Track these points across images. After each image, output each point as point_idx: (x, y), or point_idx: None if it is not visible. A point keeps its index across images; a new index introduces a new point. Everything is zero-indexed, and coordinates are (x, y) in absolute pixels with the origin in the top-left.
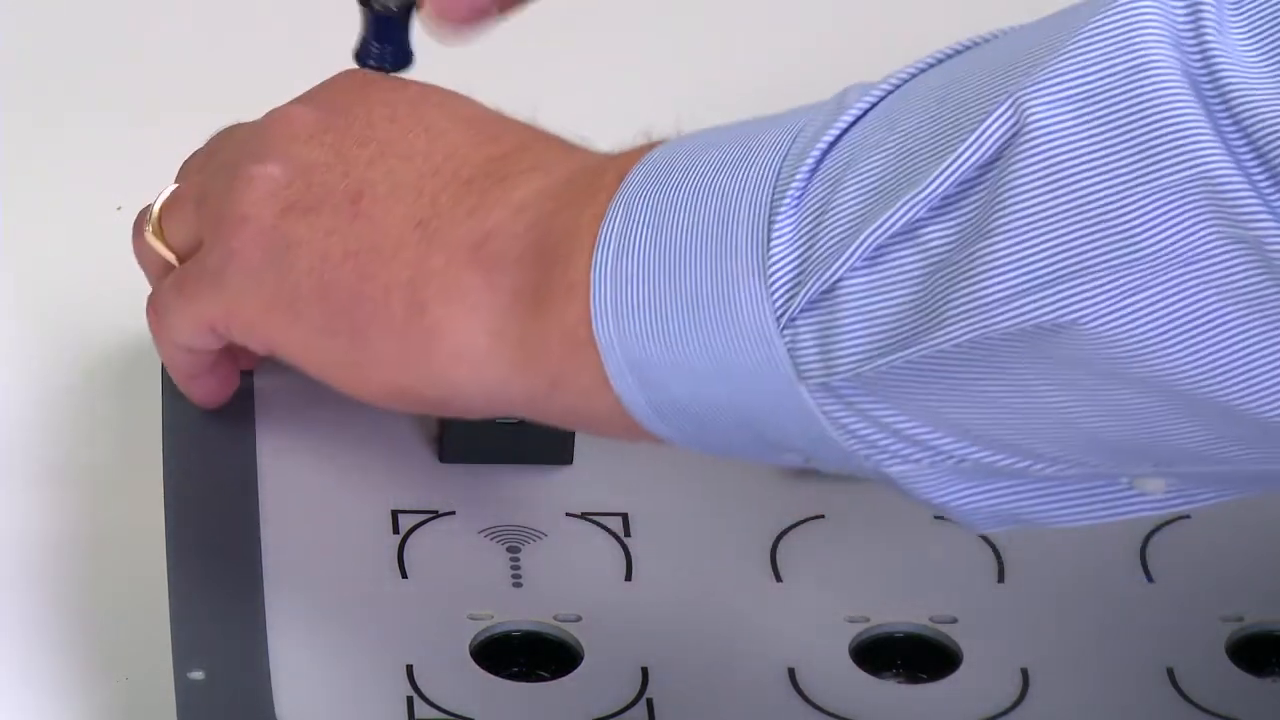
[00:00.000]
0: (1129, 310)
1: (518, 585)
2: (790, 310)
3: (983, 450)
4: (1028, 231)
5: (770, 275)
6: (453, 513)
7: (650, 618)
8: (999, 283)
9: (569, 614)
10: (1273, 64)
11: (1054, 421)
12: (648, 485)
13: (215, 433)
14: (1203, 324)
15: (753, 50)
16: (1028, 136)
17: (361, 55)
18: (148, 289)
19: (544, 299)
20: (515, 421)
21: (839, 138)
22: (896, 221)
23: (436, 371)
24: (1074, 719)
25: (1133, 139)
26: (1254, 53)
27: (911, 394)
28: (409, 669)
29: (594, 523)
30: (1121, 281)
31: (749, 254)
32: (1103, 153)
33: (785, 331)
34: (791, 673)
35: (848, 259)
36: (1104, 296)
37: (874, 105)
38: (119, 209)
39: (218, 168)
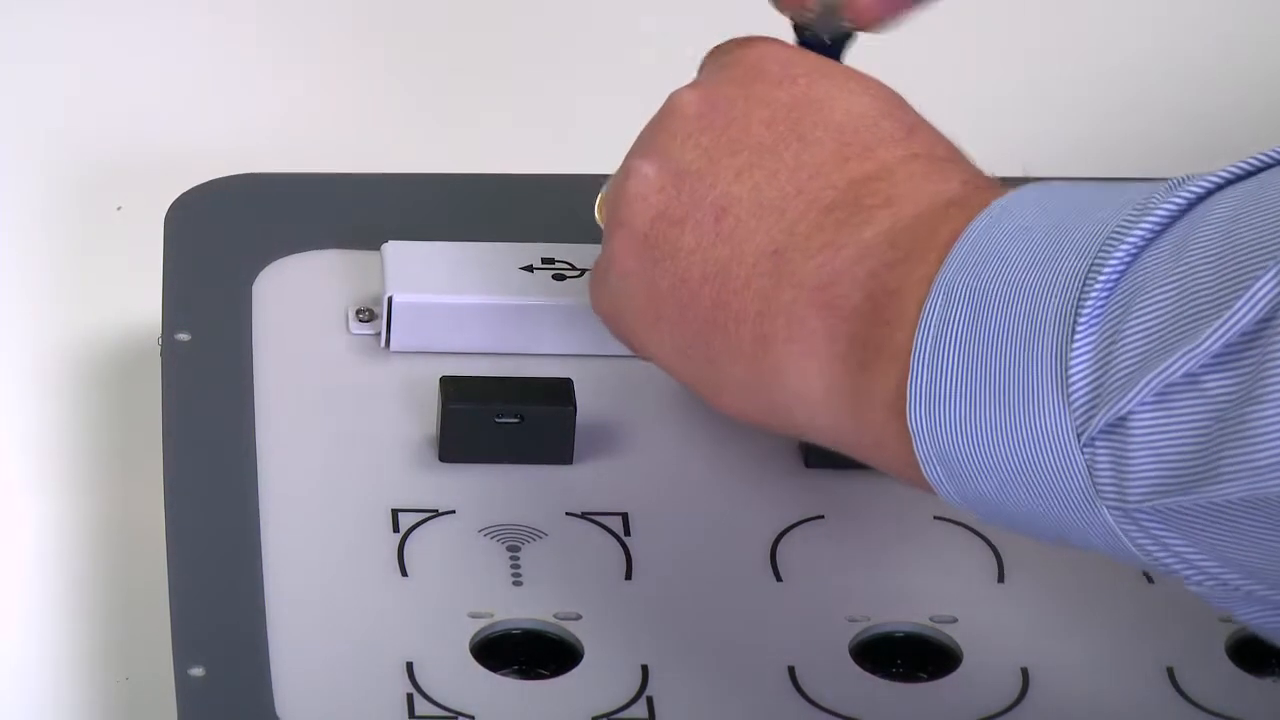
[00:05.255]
0: None
1: (518, 584)
2: (1089, 430)
3: (1269, 590)
4: None
5: (1070, 392)
6: (453, 512)
7: (650, 617)
8: (1270, 449)
9: (569, 612)
10: None
11: None
12: (648, 485)
13: (215, 433)
14: None
15: None
16: None
17: None
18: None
19: (871, 360)
20: (515, 421)
21: (1137, 255)
22: (1176, 370)
23: (780, 407)
24: (1074, 719)
25: None
26: None
27: (1198, 531)
28: (409, 667)
29: (594, 522)
30: None
31: (1052, 366)
32: None
33: (1085, 450)
34: (791, 672)
35: (1135, 395)
36: None
37: (1171, 221)
38: (119, 209)
39: (630, 153)
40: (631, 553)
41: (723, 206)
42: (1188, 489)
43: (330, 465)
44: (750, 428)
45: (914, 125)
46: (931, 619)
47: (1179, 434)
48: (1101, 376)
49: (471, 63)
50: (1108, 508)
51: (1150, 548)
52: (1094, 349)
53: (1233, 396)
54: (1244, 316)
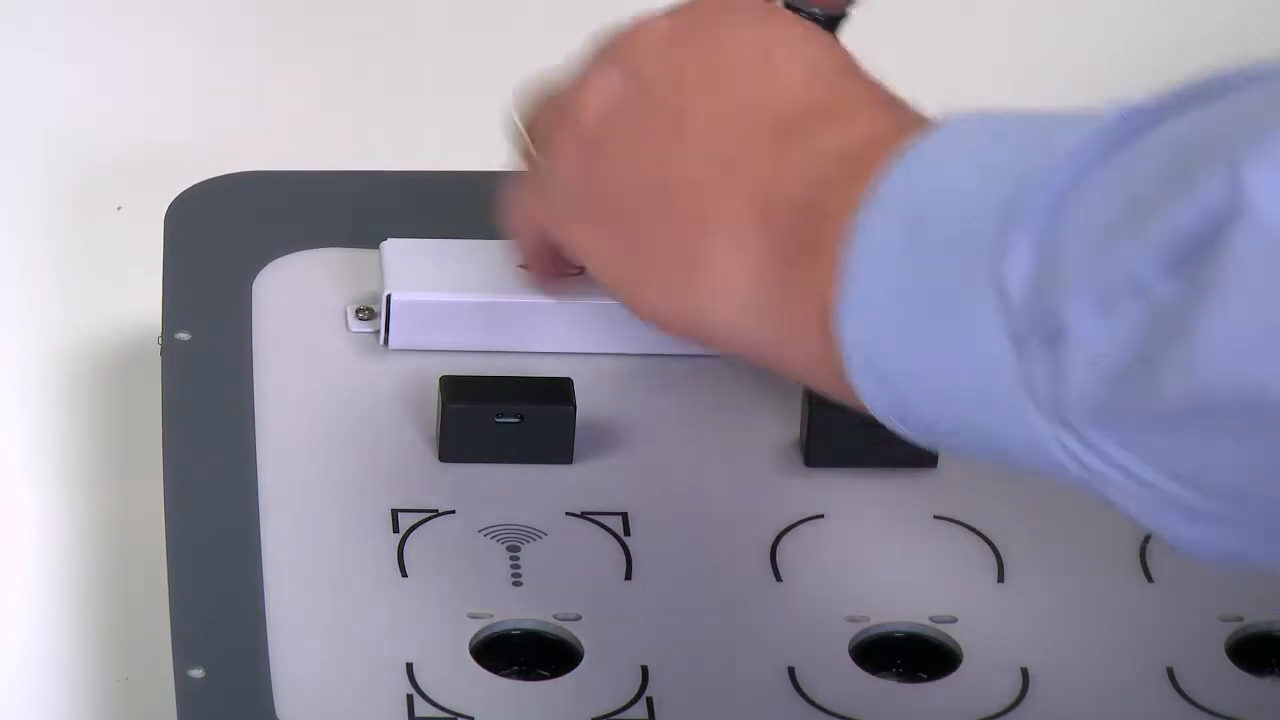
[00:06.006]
0: None
1: (517, 584)
2: (1026, 342)
3: (1208, 499)
4: (1244, 305)
5: (1006, 299)
6: (453, 512)
7: (650, 617)
8: (1213, 355)
9: (569, 613)
10: None
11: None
12: (648, 485)
13: (215, 433)
14: None
15: None
16: (1247, 212)
17: None
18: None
19: (802, 257)
20: (515, 420)
21: (1075, 159)
22: (1117, 275)
23: (704, 311)
24: (1074, 719)
25: None
26: None
27: (1136, 436)
28: (409, 667)
29: (594, 522)
30: None
31: (987, 273)
32: None
33: (1022, 359)
34: (791, 672)
35: (1073, 301)
36: None
37: (1114, 127)
38: (119, 209)
39: (582, 65)
40: (631, 553)
41: (679, 113)
42: (1128, 397)
43: (330, 465)
44: (672, 337)
45: (875, 86)
46: (931, 619)
47: (1118, 341)
48: (1036, 285)
49: (471, 62)
50: (1044, 417)
51: (1081, 454)
52: (1030, 255)
53: (1172, 303)
54: (1186, 218)
